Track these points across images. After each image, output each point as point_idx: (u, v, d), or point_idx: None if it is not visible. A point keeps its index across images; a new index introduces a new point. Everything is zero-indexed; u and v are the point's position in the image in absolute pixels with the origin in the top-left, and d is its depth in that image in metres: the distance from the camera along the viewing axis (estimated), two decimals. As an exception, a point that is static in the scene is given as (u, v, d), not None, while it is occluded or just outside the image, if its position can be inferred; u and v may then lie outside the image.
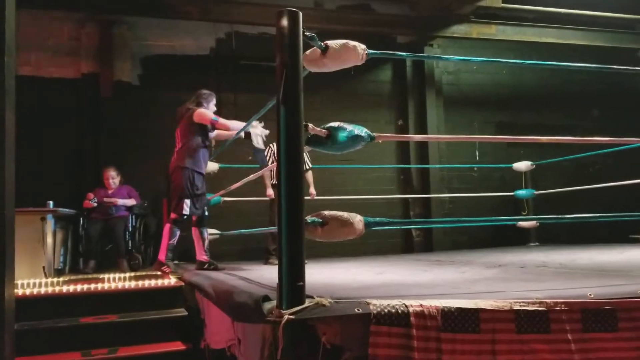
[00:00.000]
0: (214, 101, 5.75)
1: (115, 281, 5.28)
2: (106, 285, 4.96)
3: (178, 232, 5.51)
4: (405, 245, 8.80)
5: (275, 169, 6.27)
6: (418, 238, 8.89)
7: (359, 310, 2.31)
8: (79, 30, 7.82)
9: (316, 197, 6.74)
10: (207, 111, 5.58)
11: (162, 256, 5.49)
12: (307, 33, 2.50)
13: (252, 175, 5.38)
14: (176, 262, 6.71)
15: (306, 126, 2.49)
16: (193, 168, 5.45)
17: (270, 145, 6.50)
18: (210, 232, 5.94)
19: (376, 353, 2.24)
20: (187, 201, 5.40)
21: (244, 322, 2.83)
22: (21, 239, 5.05)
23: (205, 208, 5.66)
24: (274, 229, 4.13)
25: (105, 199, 6.74)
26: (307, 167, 6.60)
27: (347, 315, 2.30)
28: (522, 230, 8.16)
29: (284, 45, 2.43)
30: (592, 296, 2.61)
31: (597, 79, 9.94)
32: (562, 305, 2.45)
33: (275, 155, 6.51)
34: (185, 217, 5.43)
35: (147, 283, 4.99)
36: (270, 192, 6.42)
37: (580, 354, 2.40)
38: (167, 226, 5.51)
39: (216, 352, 3.71)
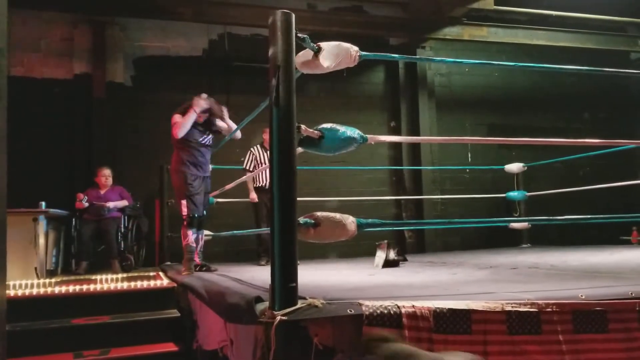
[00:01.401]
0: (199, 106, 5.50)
1: (107, 282, 5.26)
2: (98, 287, 4.95)
3: (191, 233, 5.40)
4: (398, 246, 8.81)
5: (261, 172, 6.30)
6: (410, 239, 8.91)
7: (351, 311, 2.32)
8: (71, 31, 7.80)
9: (309, 198, 6.77)
10: (177, 116, 5.55)
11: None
12: (299, 35, 2.51)
13: (245, 177, 5.38)
14: (168, 263, 6.73)
15: (299, 127, 2.49)
16: (183, 169, 5.42)
17: (252, 149, 6.55)
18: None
19: (369, 354, 2.25)
20: (184, 202, 5.38)
21: (237, 323, 2.83)
22: (13, 239, 5.05)
23: (204, 210, 5.61)
24: (266, 230, 4.13)
25: (95, 202, 6.70)
26: None
27: (339, 317, 2.31)
28: (514, 231, 8.18)
29: (277, 46, 2.44)
30: (583, 297, 2.62)
31: (589, 81, 9.99)
32: (554, 307, 2.46)
33: (258, 159, 6.56)
34: (191, 217, 5.37)
35: (139, 284, 4.98)
36: (253, 195, 6.45)
37: (571, 355, 2.41)
38: (182, 230, 5.49)
39: (208, 353, 3.70)
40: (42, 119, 7.48)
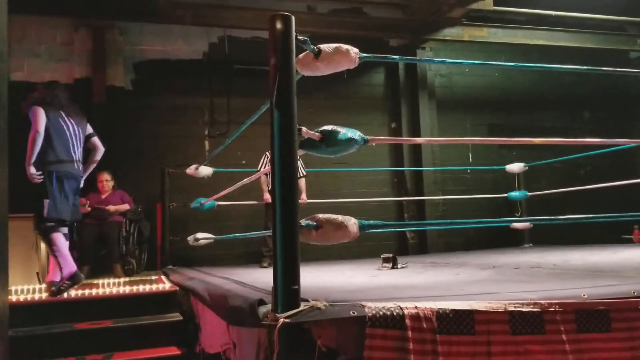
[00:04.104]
0: None
1: (109, 286, 5.27)
2: (100, 291, 4.96)
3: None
4: (400, 247, 8.81)
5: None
6: (412, 240, 8.90)
7: (354, 313, 2.32)
8: (71, 36, 7.80)
9: (310, 200, 6.79)
10: None
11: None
12: (299, 37, 2.51)
13: (245, 179, 5.37)
14: (170, 266, 6.74)
15: (300, 130, 2.50)
16: None
17: (267, 152, 6.55)
18: (204, 236, 5.92)
19: (372, 356, 2.24)
20: None
21: (239, 326, 2.83)
22: (15, 244, 4.99)
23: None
24: (268, 232, 4.12)
25: (96, 206, 6.70)
26: (301, 175, 6.64)
27: (342, 318, 2.31)
28: (516, 231, 8.17)
29: (277, 49, 2.44)
30: (585, 297, 2.62)
31: (589, 80, 9.99)
32: (556, 306, 2.46)
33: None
34: None
35: (141, 288, 4.99)
36: (267, 196, 6.47)
37: (575, 354, 2.41)
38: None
39: (211, 357, 3.70)
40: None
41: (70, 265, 4.85)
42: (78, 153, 5.23)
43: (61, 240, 4.92)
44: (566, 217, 3.51)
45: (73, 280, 4.79)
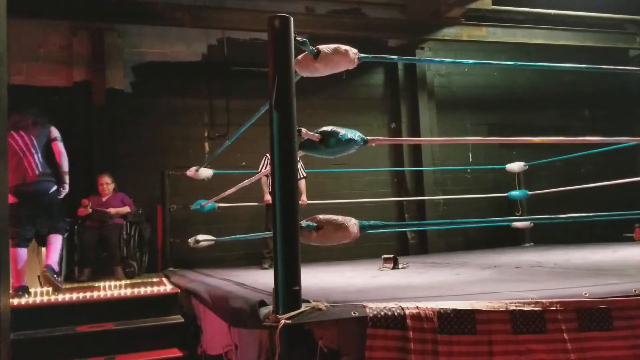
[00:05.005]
0: None
1: (110, 289, 5.27)
2: (102, 294, 4.96)
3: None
4: (400, 247, 8.81)
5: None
6: (413, 240, 8.90)
7: (355, 313, 2.32)
8: (70, 39, 7.80)
9: (310, 202, 6.79)
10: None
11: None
12: (298, 38, 2.51)
13: (246, 181, 5.37)
14: (171, 268, 6.74)
15: (299, 131, 2.50)
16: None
17: (268, 154, 6.56)
18: (205, 238, 5.92)
19: (373, 356, 2.24)
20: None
21: (241, 328, 2.83)
22: (15, 248, 5.04)
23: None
24: (268, 234, 4.11)
25: (97, 208, 6.70)
26: (301, 176, 6.64)
27: (343, 319, 2.31)
28: (517, 230, 8.17)
29: (276, 50, 2.44)
30: (587, 295, 2.62)
31: (588, 79, 9.99)
32: (558, 305, 2.46)
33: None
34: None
35: (142, 290, 4.99)
36: (268, 197, 6.48)
37: (577, 353, 2.41)
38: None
39: (213, 358, 3.70)
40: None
41: (18, 281, 5.06)
42: (35, 163, 5.20)
43: (19, 255, 5.13)
44: (567, 216, 3.51)
45: (17, 292, 4.94)
